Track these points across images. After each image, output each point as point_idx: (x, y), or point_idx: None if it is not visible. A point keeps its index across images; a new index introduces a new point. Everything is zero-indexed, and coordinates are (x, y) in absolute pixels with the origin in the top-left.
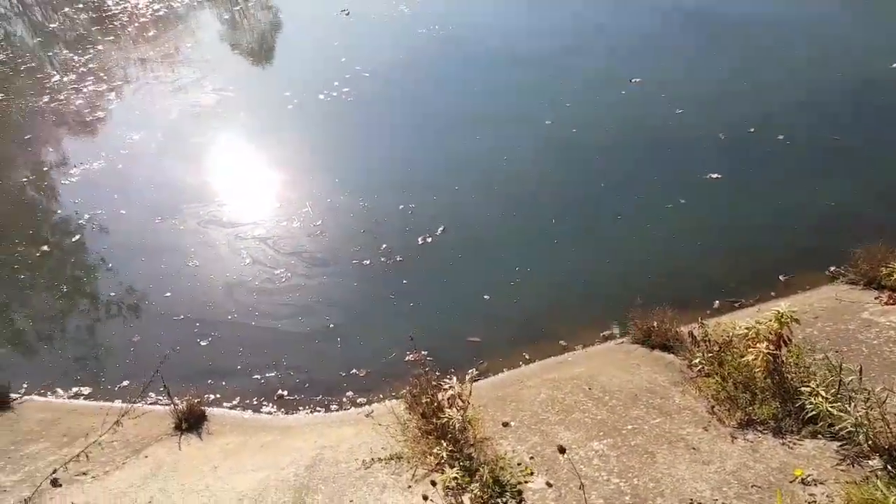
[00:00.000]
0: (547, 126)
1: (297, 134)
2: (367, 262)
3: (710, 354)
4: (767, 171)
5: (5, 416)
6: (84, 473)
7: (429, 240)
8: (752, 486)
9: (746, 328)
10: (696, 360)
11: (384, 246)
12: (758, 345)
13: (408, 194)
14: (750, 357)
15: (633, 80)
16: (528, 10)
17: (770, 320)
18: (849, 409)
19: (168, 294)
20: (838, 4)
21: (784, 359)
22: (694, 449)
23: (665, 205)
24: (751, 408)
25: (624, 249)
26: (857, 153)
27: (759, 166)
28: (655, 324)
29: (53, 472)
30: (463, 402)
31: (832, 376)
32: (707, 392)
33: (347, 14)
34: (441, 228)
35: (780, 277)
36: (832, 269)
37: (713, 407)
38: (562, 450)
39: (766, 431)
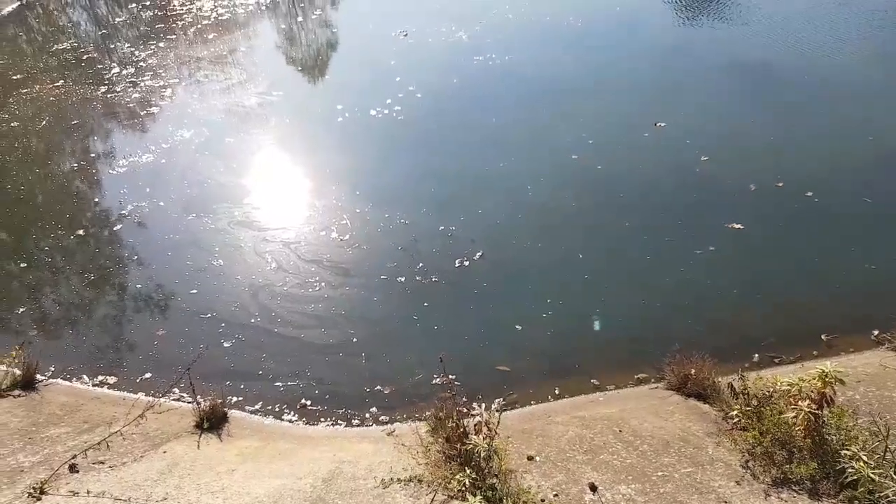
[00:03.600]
0: (573, 161)
1: (344, 146)
2: (402, 280)
3: (749, 408)
4: (797, 227)
5: (30, 397)
6: (102, 462)
7: (466, 263)
8: None
9: (789, 384)
10: (734, 413)
11: (420, 265)
12: (799, 402)
13: (449, 216)
14: (790, 414)
15: (657, 124)
16: (577, 47)
17: (814, 378)
18: (894, 476)
19: (194, 291)
20: (881, 70)
21: (826, 419)
22: (725, 502)
23: (695, 250)
24: (788, 466)
25: (658, 293)
26: (891, 219)
27: (788, 221)
28: (693, 371)
29: (72, 458)
30: (490, 430)
31: (874, 441)
32: (742, 446)
33: (406, 35)
34: (479, 253)
35: (823, 337)
36: (876, 333)
37: (748, 461)
38: (593, 487)
39: (801, 492)
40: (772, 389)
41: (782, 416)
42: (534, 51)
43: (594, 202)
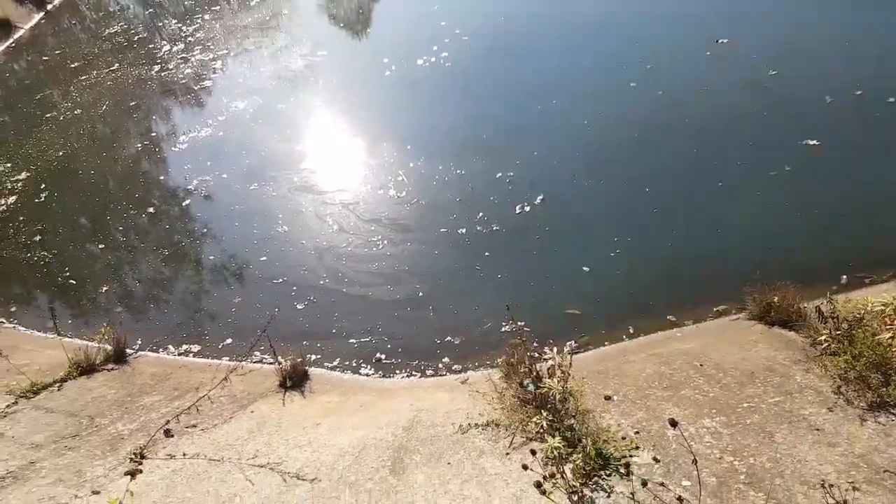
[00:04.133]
0: (632, 88)
1: (393, 100)
2: (462, 231)
3: (839, 332)
4: (880, 137)
5: (122, 370)
6: (194, 426)
7: (527, 209)
8: (884, 472)
9: (883, 304)
10: (823, 337)
11: (480, 214)
12: (895, 323)
13: (506, 162)
14: (886, 335)
15: (719, 41)
16: None
17: None
18: None
19: (264, 258)
20: None
21: None
22: (818, 430)
23: (769, 172)
24: (884, 389)
25: (733, 220)
26: None
27: (869, 131)
28: (776, 298)
29: (166, 423)
30: (563, 372)
31: None
32: (834, 371)
33: None
34: (540, 198)
35: None
36: None
37: (840, 387)
38: (673, 423)
39: None
40: (863, 311)
41: (877, 337)
42: None
43: (657, 131)
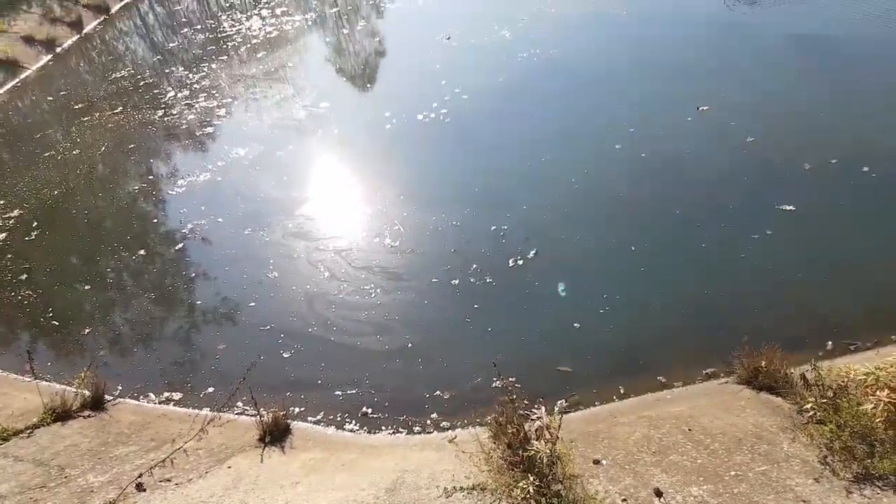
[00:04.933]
0: (617, 150)
1: (393, 152)
2: (456, 282)
3: (825, 400)
4: (857, 203)
5: (99, 417)
6: (168, 480)
7: (520, 262)
8: None
9: (866, 373)
10: (809, 405)
11: (474, 266)
12: (878, 392)
13: (501, 215)
14: (869, 405)
15: (700, 108)
16: (620, 36)
17: (892, 366)
18: None
19: (252, 304)
20: None
21: None
22: (804, 501)
23: (752, 234)
24: (869, 461)
25: (718, 281)
26: None
27: (846, 198)
28: (763, 363)
29: (139, 477)
30: (551, 434)
31: None
32: (819, 440)
33: (449, 39)
34: (533, 252)
35: None
36: None
37: (826, 457)
38: (658, 493)
39: (886, 487)
40: (847, 379)
41: (861, 407)
42: (578, 43)
43: (642, 191)
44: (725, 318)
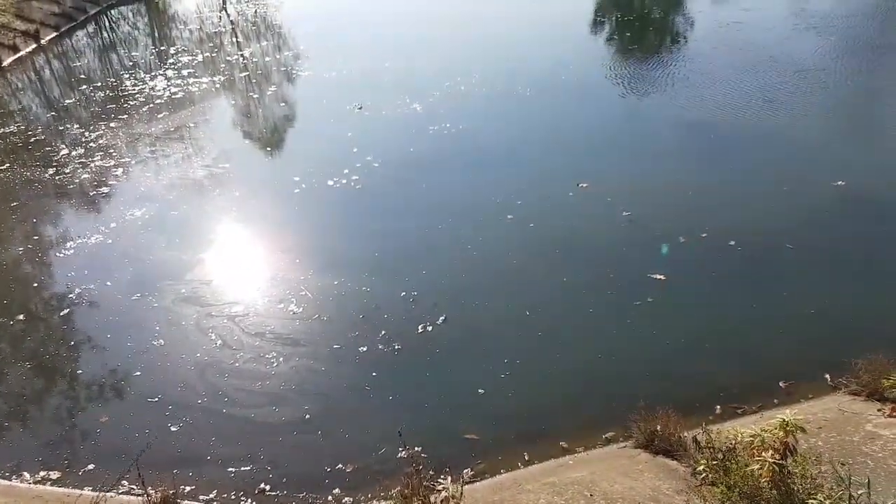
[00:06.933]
0: (509, 220)
1: (302, 217)
2: (364, 350)
3: (715, 462)
4: (726, 274)
5: None
6: None
7: (429, 328)
8: None
9: (751, 435)
10: (701, 468)
11: (383, 333)
12: (763, 453)
13: (410, 282)
14: (755, 466)
15: (580, 184)
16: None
17: (775, 428)
18: None
19: (138, 373)
20: (803, 122)
21: (790, 469)
22: None
23: (634, 301)
24: None
25: (610, 345)
26: (815, 263)
27: (715, 269)
28: (659, 428)
29: None
30: None
31: (840, 489)
32: (712, 501)
33: (361, 108)
34: (442, 318)
35: (781, 384)
36: (828, 377)
37: None
38: None
39: None
40: (735, 441)
41: (748, 468)
42: (483, 120)
43: (533, 260)
44: (620, 382)
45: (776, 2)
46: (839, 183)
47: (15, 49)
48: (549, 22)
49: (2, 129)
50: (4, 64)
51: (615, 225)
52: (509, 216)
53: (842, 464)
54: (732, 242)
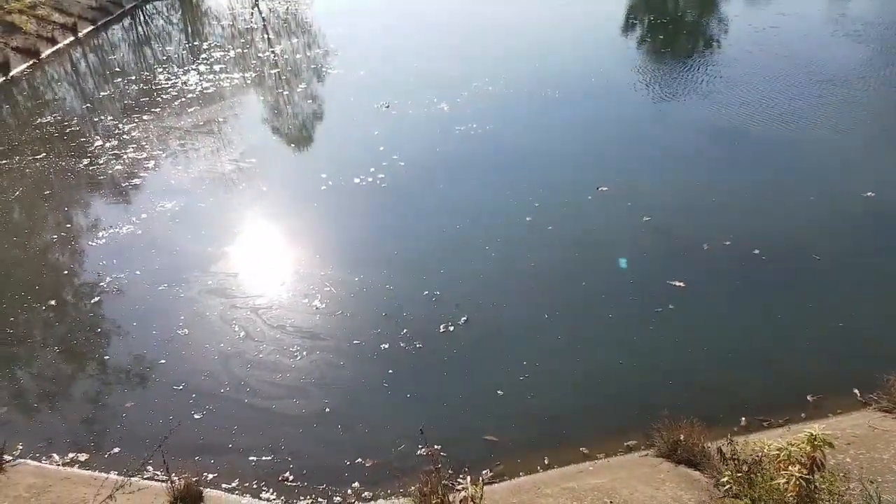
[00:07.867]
0: (528, 222)
1: (328, 213)
2: (385, 347)
3: (740, 474)
4: (749, 283)
5: None
6: None
7: (451, 328)
8: None
9: (778, 448)
10: (725, 479)
11: (405, 331)
12: (789, 467)
13: (431, 282)
14: (781, 480)
15: (599, 188)
16: (549, 117)
17: (802, 443)
18: None
19: (163, 362)
20: (834, 132)
21: (817, 485)
22: None
23: (655, 308)
24: None
25: (633, 351)
26: (843, 274)
27: (739, 278)
28: (682, 437)
29: None
30: None
31: None
32: None
33: (388, 107)
34: (464, 319)
35: (809, 398)
36: (857, 392)
37: None
38: None
39: None
40: (761, 454)
41: (773, 482)
42: (511, 121)
43: (553, 265)
44: (641, 389)
45: (814, 6)
46: (869, 194)
47: (53, 41)
48: (582, 24)
49: (38, 119)
50: (43, 56)
51: (634, 230)
52: (528, 218)
53: (871, 482)
54: (757, 251)
